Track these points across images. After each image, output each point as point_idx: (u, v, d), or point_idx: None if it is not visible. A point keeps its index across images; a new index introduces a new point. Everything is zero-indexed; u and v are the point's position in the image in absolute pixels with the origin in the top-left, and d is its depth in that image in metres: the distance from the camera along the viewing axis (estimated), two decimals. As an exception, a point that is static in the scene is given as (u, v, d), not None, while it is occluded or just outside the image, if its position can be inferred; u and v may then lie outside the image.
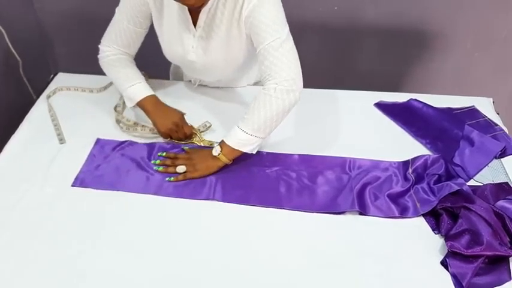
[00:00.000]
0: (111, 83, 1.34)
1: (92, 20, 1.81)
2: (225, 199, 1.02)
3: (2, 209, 0.97)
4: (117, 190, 1.02)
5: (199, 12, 1.07)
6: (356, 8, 1.71)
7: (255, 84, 1.38)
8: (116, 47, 1.17)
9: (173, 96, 1.27)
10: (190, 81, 1.38)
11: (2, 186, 1.03)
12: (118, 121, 1.20)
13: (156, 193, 1.02)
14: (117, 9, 1.14)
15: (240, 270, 0.88)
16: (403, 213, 0.99)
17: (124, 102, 1.22)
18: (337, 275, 0.88)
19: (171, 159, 1.09)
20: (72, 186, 1.03)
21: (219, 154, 1.05)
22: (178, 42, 1.14)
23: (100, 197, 1.01)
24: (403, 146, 1.17)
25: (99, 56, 1.20)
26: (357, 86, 1.36)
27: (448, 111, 1.28)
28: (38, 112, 1.24)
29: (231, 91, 1.34)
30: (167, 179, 1.05)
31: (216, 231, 0.95)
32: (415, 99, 1.29)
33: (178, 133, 1.15)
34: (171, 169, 1.07)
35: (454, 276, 0.87)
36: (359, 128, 1.23)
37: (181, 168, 1.06)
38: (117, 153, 1.12)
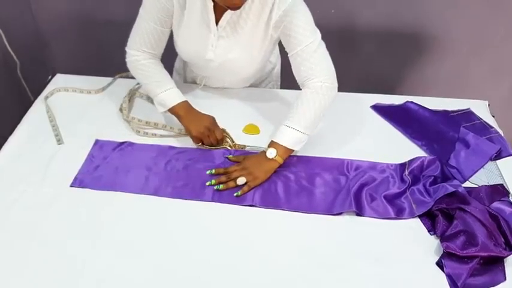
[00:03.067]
0: (109, 84, 1.35)
1: (89, 22, 1.81)
2: (223, 200, 1.02)
3: (0, 209, 0.97)
4: (116, 191, 1.03)
5: (223, 12, 1.08)
6: (353, 11, 1.72)
7: (251, 86, 1.39)
8: (144, 49, 1.16)
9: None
10: (195, 82, 1.38)
11: (0, 186, 1.03)
12: (128, 121, 1.20)
13: (154, 194, 1.03)
14: (141, 10, 1.12)
15: (237, 270, 0.88)
16: (399, 214, 1.00)
17: (129, 101, 1.23)
18: (333, 276, 0.88)
19: (226, 175, 1.06)
20: (70, 186, 1.03)
21: (275, 156, 1.06)
22: (198, 41, 1.15)
23: (98, 198, 1.01)
24: (399, 148, 1.18)
25: (127, 60, 1.19)
26: (353, 88, 1.37)
27: (444, 114, 1.29)
28: (35, 113, 1.24)
29: (231, 92, 1.35)
30: (216, 187, 1.03)
31: (213, 231, 0.96)
32: (412, 102, 1.30)
33: (210, 137, 1.14)
34: (231, 184, 1.04)
35: (450, 277, 0.88)
36: (356, 130, 1.24)
37: (241, 180, 1.04)
38: (116, 153, 1.12)
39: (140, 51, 1.17)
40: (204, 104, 1.29)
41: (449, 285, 0.87)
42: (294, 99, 1.25)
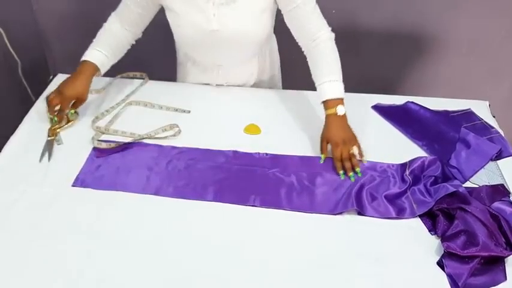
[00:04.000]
0: (109, 84, 1.35)
1: (91, 21, 1.80)
2: (225, 200, 1.02)
3: (0, 209, 0.97)
4: (117, 190, 1.03)
5: None
6: (354, 11, 1.73)
7: (254, 85, 1.39)
8: (123, 23, 1.21)
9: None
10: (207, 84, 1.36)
11: (1, 186, 1.03)
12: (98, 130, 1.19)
13: (156, 193, 1.03)
14: None
15: (237, 270, 0.88)
16: (400, 214, 1.00)
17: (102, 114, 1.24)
18: (334, 275, 0.88)
19: (340, 161, 1.08)
20: (72, 186, 1.03)
21: (344, 111, 1.09)
22: (198, 15, 1.14)
23: (98, 198, 1.01)
24: (400, 148, 1.18)
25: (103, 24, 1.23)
26: (354, 88, 1.37)
27: (445, 114, 1.29)
28: (37, 113, 1.24)
29: (232, 91, 1.35)
30: (350, 176, 1.06)
31: (214, 231, 0.96)
32: (412, 102, 1.30)
33: (54, 101, 1.13)
34: (347, 164, 1.07)
35: (450, 277, 0.88)
36: (357, 130, 1.23)
37: (355, 150, 1.08)
38: (117, 153, 1.12)
39: (118, 22, 1.21)
40: (204, 104, 1.30)
41: (450, 285, 0.87)
42: (294, 99, 1.26)
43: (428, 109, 1.28)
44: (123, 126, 1.20)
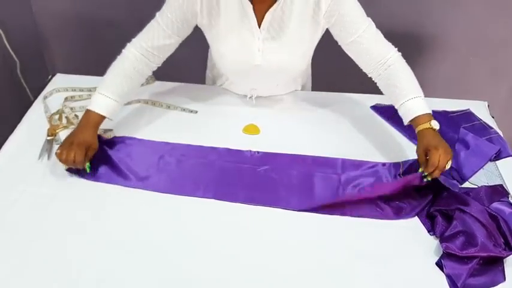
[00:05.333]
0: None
1: (89, 22, 1.82)
2: (214, 195, 1.02)
3: (0, 209, 0.97)
4: (112, 184, 1.04)
5: (263, 13, 1.06)
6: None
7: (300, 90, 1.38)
8: (145, 44, 1.08)
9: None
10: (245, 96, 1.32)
11: (0, 186, 1.02)
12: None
13: (145, 188, 1.04)
14: (157, 14, 1.07)
15: (236, 269, 0.88)
16: (398, 214, 1.00)
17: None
18: (333, 276, 0.88)
19: (436, 170, 0.97)
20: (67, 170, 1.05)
21: (438, 126, 1.03)
22: (242, 49, 1.12)
23: (98, 198, 1.01)
24: (399, 149, 1.18)
25: (123, 50, 1.11)
26: (353, 89, 1.37)
27: (444, 114, 1.29)
28: (35, 113, 1.24)
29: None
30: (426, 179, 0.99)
31: (214, 232, 0.96)
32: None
33: (68, 155, 1.00)
34: (437, 172, 0.98)
35: (449, 277, 0.88)
36: (355, 130, 1.24)
37: (448, 164, 0.98)
38: (111, 149, 1.12)
39: (139, 46, 1.09)
40: (203, 103, 1.30)
41: (449, 286, 0.87)
42: (294, 99, 1.26)
43: (428, 109, 1.28)
44: (129, 124, 1.21)
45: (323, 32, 1.14)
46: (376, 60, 1.10)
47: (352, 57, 1.13)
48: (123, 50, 1.12)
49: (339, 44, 1.13)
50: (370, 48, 1.09)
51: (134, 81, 1.12)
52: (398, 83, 1.08)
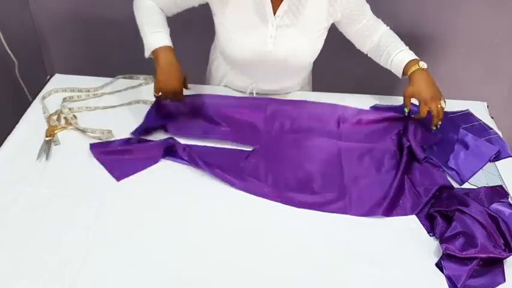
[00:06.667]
0: (107, 84, 1.34)
1: (88, 21, 1.81)
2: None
3: (-2, 209, 0.97)
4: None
5: (280, 0, 1.08)
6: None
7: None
8: (154, 1, 1.16)
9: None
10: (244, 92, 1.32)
11: (-2, 187, 1.02)
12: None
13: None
14: None
15: (235, 269, 0.88)
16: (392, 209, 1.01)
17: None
18: (332, 277, 0.88)
19: (435, 118, 1.13)
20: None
21: (427, 66, 1.15)
22: (254, 33, 1.13)
23: (96, 198, 1.01)
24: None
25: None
26: (353, 89, 1.37)
27: (443, 115, 1.28)
28: (33, 113, 1.23)
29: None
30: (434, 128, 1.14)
31: (212, 234, 0.95)
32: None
33: (168, 90, 1.12)
34: (436, 119, 1.14)
35: (449, 278, 0.88)
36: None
37: (443, 104, 1.13)
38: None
39: (151, 1, 1.16)
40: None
41: (449, 287, 0.87)
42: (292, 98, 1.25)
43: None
44: (129, 124, 1.20)
45: (329, 25, 1.18)
46: (372, 39, 1.22)
47: (349, 38, 1.24)
48: (134, 1, 1.18)
49: (340, 29, 1.20)
50: (370, 33, 1.21)
51: (163, 14, 1.19)
52: (388, 41, 1.20)
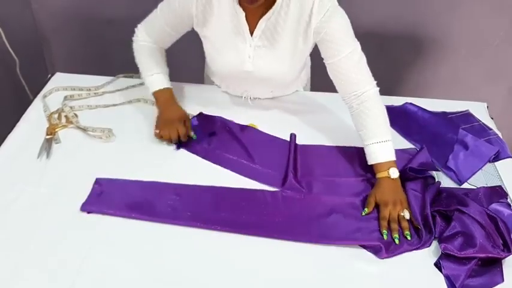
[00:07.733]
0: (108, 83, 1.35)
1: (90, 20, 1.81)
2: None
3: (-2, 208, 0.97)
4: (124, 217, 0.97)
5: (256, 21, 1.06)
6: (352, 13, 1.71)
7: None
8: (150, 37, 1.19)
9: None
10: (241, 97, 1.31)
11: (-2, 185, 1.02)
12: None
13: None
14: (160, 5, 1.13)
15: (233, 269, 0.88)
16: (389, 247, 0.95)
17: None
18: (332, 276, 0.88)
19: (392, 222, 0.98)
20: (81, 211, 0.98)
21: (398, 175, 1.02)
22: (232, 53, 1.12)
23: (96, 197, 1.01)
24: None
25: (133, 38, 1.22)
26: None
27: (443, 115, 1.29)
28: (34, 112, 1.24)
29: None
30: (395, 236, 0.95)
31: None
32: (410, 103, 1.31)
33: (172, 132, 1.10)
34: (394, 225, 0.97)
35: (448, 278, 0.88)
36: (355, 131, 1.24)
37: (407, 214, 0.98)
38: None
39: (147, 37, 1.19)
40: (203, 103, 1.30)
41: (448, 286, 0.87)
42: (294, 99, 1.25)
43: (427, 110, 1.29)
44: (129, 124, 1.20)
45: (313, 47, 1.13)
46: (351, 90, 1.08)
47: (332, 80, 1.11)
48: (134, 45, 1.22)
49: (323, 61, 1.10)
50: (347, 75, 1.07)
51: (161, 54, 1.23)
52: (367, 123, 1.06)
